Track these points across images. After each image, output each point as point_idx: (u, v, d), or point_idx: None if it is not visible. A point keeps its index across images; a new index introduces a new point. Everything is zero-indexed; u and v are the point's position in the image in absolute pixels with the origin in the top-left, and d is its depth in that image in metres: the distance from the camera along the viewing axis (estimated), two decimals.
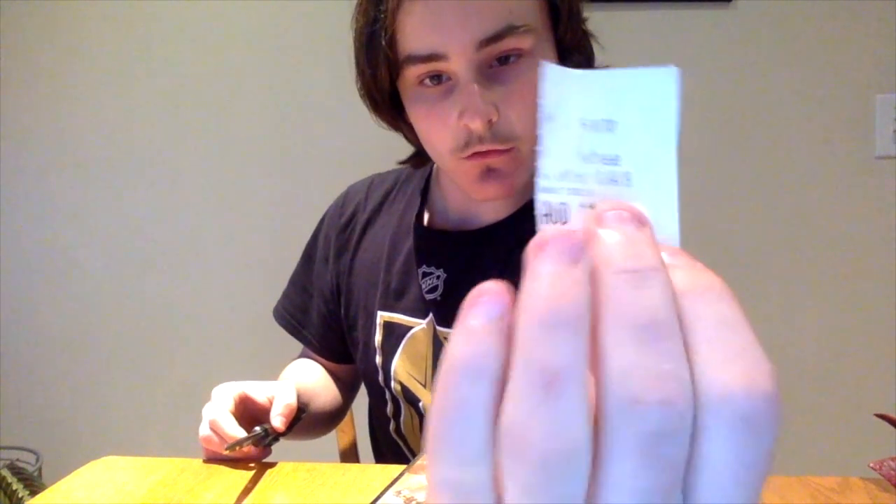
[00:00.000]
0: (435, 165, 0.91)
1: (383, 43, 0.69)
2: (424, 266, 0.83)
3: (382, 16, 0.69)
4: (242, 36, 1.65)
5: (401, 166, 0.93)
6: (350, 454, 1.19)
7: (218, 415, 0.77)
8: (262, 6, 1.64)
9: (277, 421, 0.78)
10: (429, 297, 0.82)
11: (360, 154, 1.68)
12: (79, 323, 1.72)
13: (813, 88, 1.58)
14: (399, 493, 0.68)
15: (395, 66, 0.71)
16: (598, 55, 0.81)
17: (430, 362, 0.82)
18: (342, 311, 0.93)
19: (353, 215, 0.94)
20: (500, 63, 0.70)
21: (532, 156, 0.59)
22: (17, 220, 1.72)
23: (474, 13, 0.67)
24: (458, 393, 0.21)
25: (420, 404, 0.84)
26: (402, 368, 0.84)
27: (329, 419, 1.01)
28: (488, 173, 0.73)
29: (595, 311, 0.21)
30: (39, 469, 1.61)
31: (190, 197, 1.69)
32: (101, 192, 1.70)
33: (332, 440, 1.20)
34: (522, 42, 0.69)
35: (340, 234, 0.93)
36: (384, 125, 0.81)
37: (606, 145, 0.25)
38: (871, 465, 0.74)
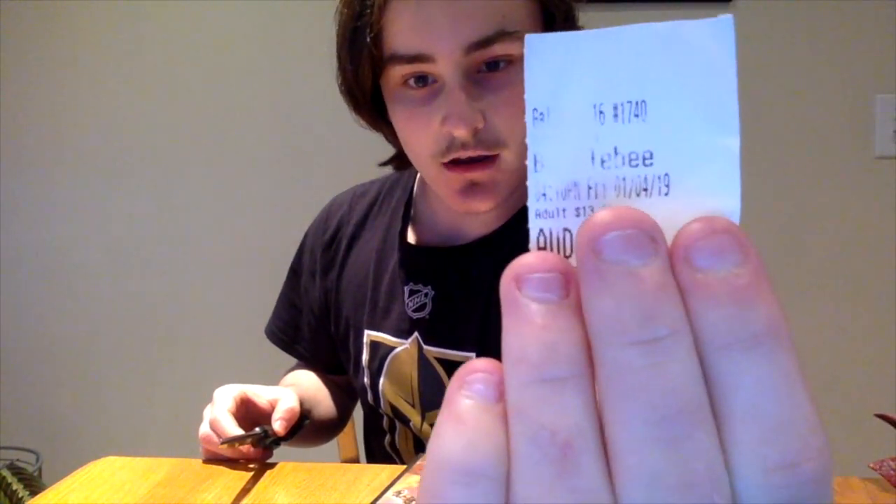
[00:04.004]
0: (418, 177, 0.88)
1: (368, 39, 0.66)
2: (411, 283, 0.80)
3: (368, 11, 0.66)
4: (242, 36, 1.65)
5: (383, 169, 0.89)
6: (350, 454, 1.19)
7: (218, 414, 0.77)
8: (261, 6, 1.64)
9: (278, 424, 0.77)
10: (416, 315, 0.79)
11: (361, 155, 1.68)
12: (78, 323, 1.72)
13: (813, 88, 1.58)
14: (399, 493, 0.68)
15: (378, 63, 0.67)
16: None
17: (416, 383, 0.80)
18: (332, 328, 0.91)
19: (338, 230, 0.91)
20: (488, 69, 0.66)
21: (518, 161, 0.56)
22: (17, 220, 1.72)
23: (465, 16, 0.64)
24: (452, 501, 0.17)
25: (411, 424, 0.83)
26: (390, 389, 0.83)
27: (331, 427, 1.00)
28: (471, 187, 0.69)
29: (599, 382, 0.17)
30: (39, 469, 1.61)
31: (190, 197, 1.69)
32: (101, 192, 1.70)
33: (333, 442, 1.20)
34: (513, 48, 0.65)
35: (326, 250, 0.91)
36: (364, 124, 0.79)
37: (634, 138, 0.18)
38: (872, 465, 0.74)
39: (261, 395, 0.82)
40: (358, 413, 1.09)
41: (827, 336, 1.61)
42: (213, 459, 0.80)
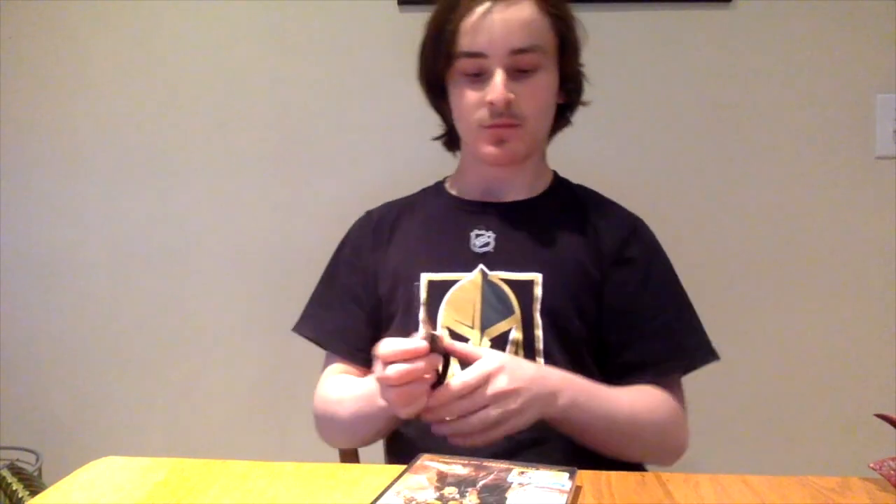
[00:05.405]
0: (450, 178, 1.17)
1: (447, 40, 0.99)
2: (476, 230, 1.05)
3: (448, 26, 1.00)
4: (243, 36, 1.65)
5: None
6: (350, 454, 1.19)
7: (391, 346, 0.79)
8: (262, 6, 1.64)
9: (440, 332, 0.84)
10: (482, 250, 1.03)
11: (360, 155, 1.68)
12: (79, 323, 1.72)
13: (813, 88, 1.58)
14: (399, 493, 0.68)
15: (451, 57, 1.00)
16: (587, 93, 1.11)
17: (478, 306, 1.00)
18: (380, 291, 1.07)
19: (381, 219, 1.13)
20: (521, 72, 0.99)
21: (532, 134, 1.07)
22: (17, 219, 1.72)
23: (511, 31, 0.97)
24: None
25: (470, 342, 0.98)
26: (449, 316, 1.00)
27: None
28: (500, 143, 1.02)
29: None
30: (39, 469, 1.61)
31: (190, 196, 1.69)
32: (101, 192, 1.70)
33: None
34: (539, 59, 0.99)
35: (374, 233, 1.12)
36: (430, 104, 1.12)
37: None
38: (872, 465, 0.74)
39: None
40: None
41: (827, 336, 1.61)
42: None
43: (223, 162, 1.67)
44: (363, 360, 1.07)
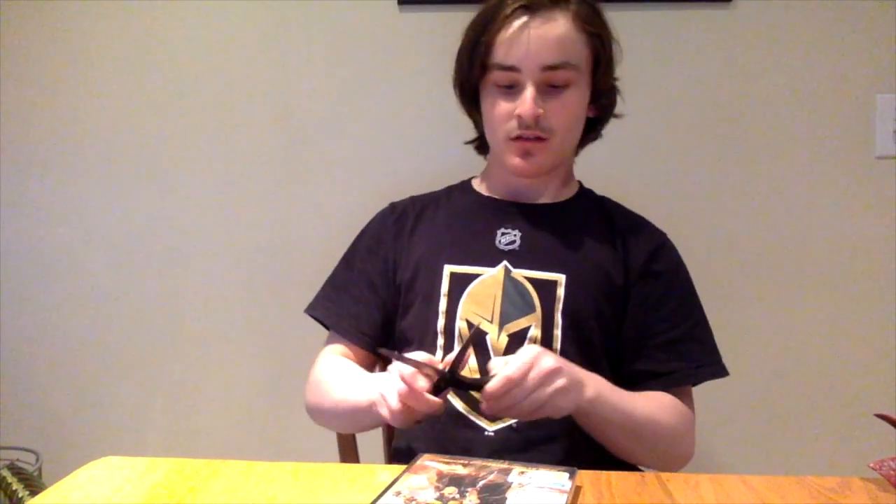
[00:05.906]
0: (476, 179, 1.18)
1: (482, 51, 1.02)
2: (503, 227, 1.07)
3: (485, 37, 1.02)
4: (243, 36, 1.65)
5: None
6: (350, 453, 1.20)
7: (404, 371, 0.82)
8: (262, 7, 1.64)
9: (441, 364, 0.85)
10: (508, 248, 1.05)
11: (360, 155, 1.68)
12: (79, 323, 1.72)
13: (813, 88, 1.58)
14: (399, 493, 0.68)
15: (485, 67, 1.02)
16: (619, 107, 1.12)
17: (499, 301, 1.02)
18: (399, 279, 1.09)
19: (404, 210, 1.15)
20: (552, 87, 1.00)
21: (559, 148, 1.08)
22: (18, 219, 1.72)
23: (544, 47, 0.98)
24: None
25: (487, 337, 1.00)
26: (468, 308, 1.02)
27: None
28: (526, 155, 1.03)
29: None
30: (39, 469, 1.61)
31: (190, 197, 1.69)
32: (101, 192, 1.70)
33: (332, 441, 1.20)
34: (571, 75, 1.00)
35: (397, 223, 1.13)
36: (463, 109, 1.13)
37: None
38: (871, 465, 0.75)
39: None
40: None
41: (827, 336, 1.61)
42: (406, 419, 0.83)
43: (222, 162, 1.67)
44: (367, 344, 1.10)
